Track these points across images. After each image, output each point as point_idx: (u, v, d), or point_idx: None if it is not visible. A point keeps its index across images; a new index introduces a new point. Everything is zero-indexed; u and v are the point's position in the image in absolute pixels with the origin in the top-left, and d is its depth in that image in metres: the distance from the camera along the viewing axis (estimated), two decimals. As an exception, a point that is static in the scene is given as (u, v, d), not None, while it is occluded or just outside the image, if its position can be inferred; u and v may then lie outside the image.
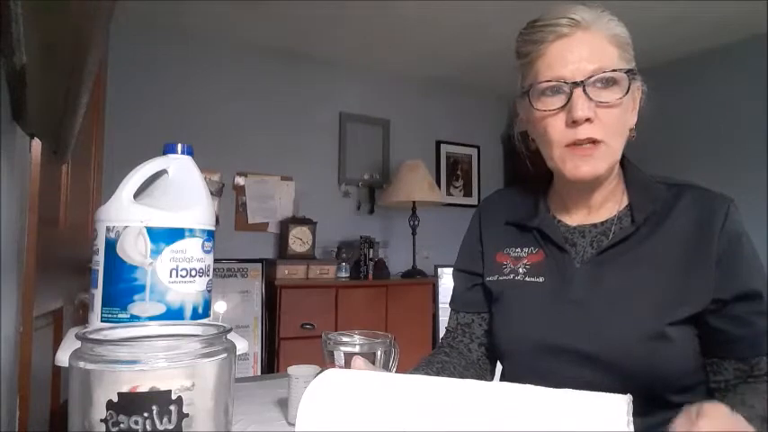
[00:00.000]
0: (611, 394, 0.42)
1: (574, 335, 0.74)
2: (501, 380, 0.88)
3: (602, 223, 0.80)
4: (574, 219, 0.83)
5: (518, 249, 0.85)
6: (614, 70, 0.72)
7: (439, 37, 3.14)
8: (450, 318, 0.96)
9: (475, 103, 4.06)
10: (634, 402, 0.42)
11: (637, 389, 0.69)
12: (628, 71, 0.73)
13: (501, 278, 0.85)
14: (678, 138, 3.33)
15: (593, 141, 0.73)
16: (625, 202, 0.81)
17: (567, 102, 0.72)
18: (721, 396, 0.73)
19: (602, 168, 0.74)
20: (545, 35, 0.74)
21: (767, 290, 0.71)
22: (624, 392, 0.43)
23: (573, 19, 0.73)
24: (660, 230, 0.75)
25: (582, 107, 0.71)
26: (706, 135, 3.27)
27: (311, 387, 0.50)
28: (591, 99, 0.72)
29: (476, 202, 3.97)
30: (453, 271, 0.97)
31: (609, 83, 0.72)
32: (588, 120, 0.72)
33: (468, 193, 4.03)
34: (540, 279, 0.81)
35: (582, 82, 0.71)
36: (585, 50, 0.72)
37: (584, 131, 0.72)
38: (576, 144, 0.73)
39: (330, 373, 0.52)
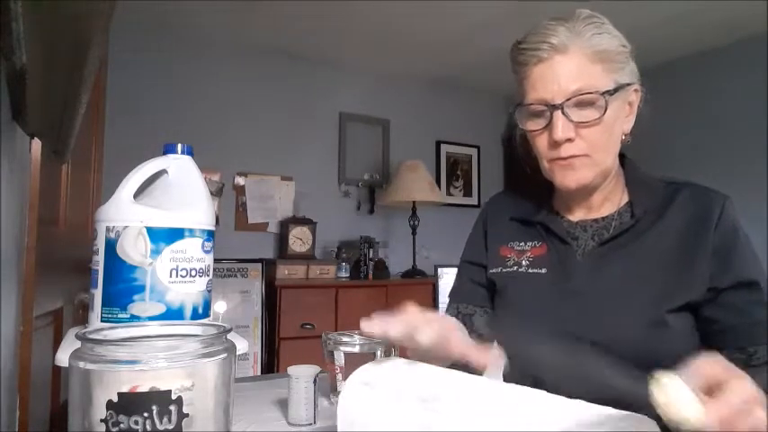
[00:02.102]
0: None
1: (575, 324, 0.77)
2: (504, 370, 0.89)
3: (603, 218, 0.84)
4: (576, 215, 0.86)
5: (522, 243, 0.89)
6: (590, 93, 0.74)
7: (439, 37, 3.14)
8: (449, 307, 0.97)
9: (475, 103, 4.05)
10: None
11: None
12: (605, 92, 0.74)
13: (504, 270, 0.88)
14: (678, 138, 3.33)
15: (578, 156, 0.76)
16: (625, 199, 0.84)
17: (549, 123, 0.76)
18: None
19: (588, 178, 0.78)
20: (527, 58, 0.78)
21: (766, 282, 0.74)
22: None
23: (551, 43, 0.75)
24: (659, 225, 0.78)
25: (562, 129, 0.74)
26: (706, 135, 3.27)
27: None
28: (571, 120, 0.75)
29: (476, 202, 3.97)
30: (459, 263, 0.99)
31: (588, 103, 0.75)
32: (569, 140, 0.75)
33: (468, 193, 4.03)
34: (543, 270, 0.84)
35: (560, 105, 0.74)
36: (565, 72, 0.75)
37: (565, 150, 0.76)
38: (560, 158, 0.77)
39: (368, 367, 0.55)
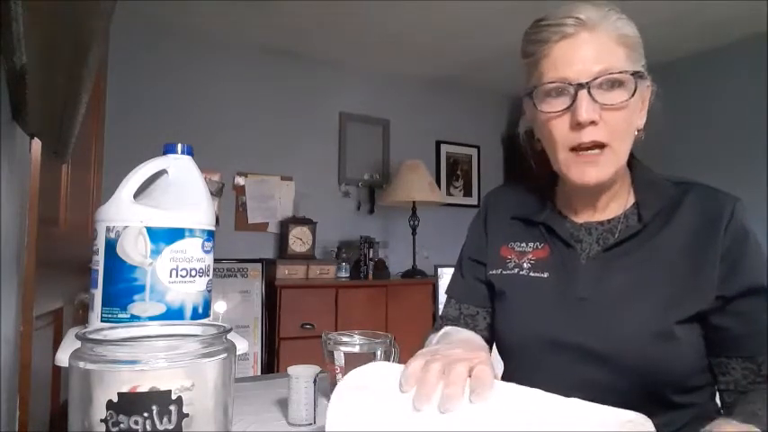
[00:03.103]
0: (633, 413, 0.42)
1: (578, 332, 0.74)
2: (502, 377, 0.88)
3: (608, 221, 0.80)
4: (580, 216, 0.82)
5: (523, 244, 0.85)
6: (620, 72, 0.70)
7: (439, 37, 3.14)
8: (449, 306, 0.93)
9: (475, 103, 4.05)
10: (638, 402, 0.43)
11: (641, 388, 0.69)
12: (634, 73, 0.71)
13: (505, 272, 0.85)
14: (678, 138, 3.33)
15: (599, 146, 0.72)
16: (632, 200, 0.80)
17: (572, 104, 0.71)
18: (731, 399, 0.72)
19: (607, 174, 0.73)
20: (550, 35, 0.73)
21: None
22: (628, 390, 0.43)
23: (579, 18, 0.71)
24: (666, 228, 0.74)
25: (587, 109, 0.69)
26: (706, 135, 3.27)
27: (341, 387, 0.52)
28: (596, 101, 0.70)
29: (476, 202, 3.97)
30: (459, 260, 0.95)
31: (615, 84, 0.71)
32: (593, 122, 0.70)
33: (468, 193, 4.03)
34: (545, 275, 0.80)
35: (587, 84, 0.70)
36: (591, 51, 0.70)
37: (588, 134, 0.71)
38: (580, 148, 0.72)
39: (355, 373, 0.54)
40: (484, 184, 4.05)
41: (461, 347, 0.63)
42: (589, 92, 0.70)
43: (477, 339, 0.78)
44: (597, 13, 0.71)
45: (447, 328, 0.77)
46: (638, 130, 0.77)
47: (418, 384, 0.50)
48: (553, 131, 0.74)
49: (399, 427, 0.48)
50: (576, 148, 0.73)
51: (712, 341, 0.72)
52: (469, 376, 0.51)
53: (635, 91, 0.71)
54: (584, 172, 0.73)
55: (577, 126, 0.71)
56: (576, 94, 0.70)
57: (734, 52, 3.16)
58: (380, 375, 0.54)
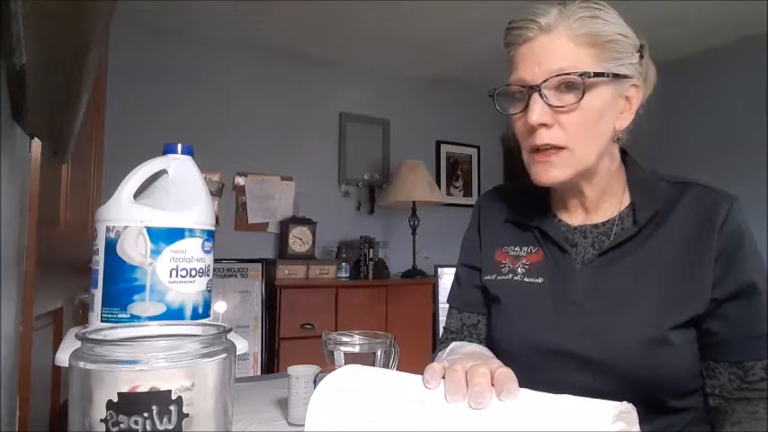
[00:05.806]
0: (605, 401, 0.43)
1: (573, 338, 0.72)
2: None
3: (603, 223, 0.78)
4: (574, 219, 0.81)
5: (517, 248, 0.84)
6: (569, 74, 0.69)
7: (439, 37, 3.14)
8: (451, 317, 0.93)
9: (475, 103, 4.04)
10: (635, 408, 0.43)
11: (638, 394, 0.66)
12: (583, 74, 0.68)
13: (499, 278, 0.84)
14: (678, 138, 3.33)
15: (555, 148, 0.71)
16: (626, 201, 0.78)
17: (525, 106, 0.72)
18: (716, 403, 0.71)
19: (564, 175, 0.72)
20: (514, 38, 0.74)
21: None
22: (625, 398, 0.43)
23: (537, 22, 0.71)
24: (662, 231, 0.73)
25: (538, 112, 0.70)
26: (706, 135, 3.27)
27: (321, 387, 0.51)
28: (548, 104, 0.70)
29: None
30: (457, 266, 0.94)
31: (570, 86, 0.69)
32: (544, 125, 0.70)
33: (468, 193, 4.03)
34: (540, 280, 0.79)
35: (537, 86, 0.70)
36: (546, 54, 0.70)
37: (541, 137, 0.71)
38: (538, 149, 0.72)
39: (337, 373, 0.54)
40: (484, 184, 4.04)
41: (473, 359, 0.61)
42: (540, 94, 0.70)
43: (485, 351, 0.77)
44: (558, 15, 0.70)
45: (452, 345, 0.76)
46: (619, 132, 0.75)
47: (448, 380, 0.49)
48: (516, 133, 0.76)
49: (384, 428, 0.47)
50: (534, 150, 0.73)
51: (703, 344, 0.71)
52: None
53: (583, 93, 0.69)
54: (540, 172, 0.74)
55: (531, 129, 0.71)
56: (529, 96, 0.71)
57: (734, 52, 3.15)
58: (361, 377, 0.54)
